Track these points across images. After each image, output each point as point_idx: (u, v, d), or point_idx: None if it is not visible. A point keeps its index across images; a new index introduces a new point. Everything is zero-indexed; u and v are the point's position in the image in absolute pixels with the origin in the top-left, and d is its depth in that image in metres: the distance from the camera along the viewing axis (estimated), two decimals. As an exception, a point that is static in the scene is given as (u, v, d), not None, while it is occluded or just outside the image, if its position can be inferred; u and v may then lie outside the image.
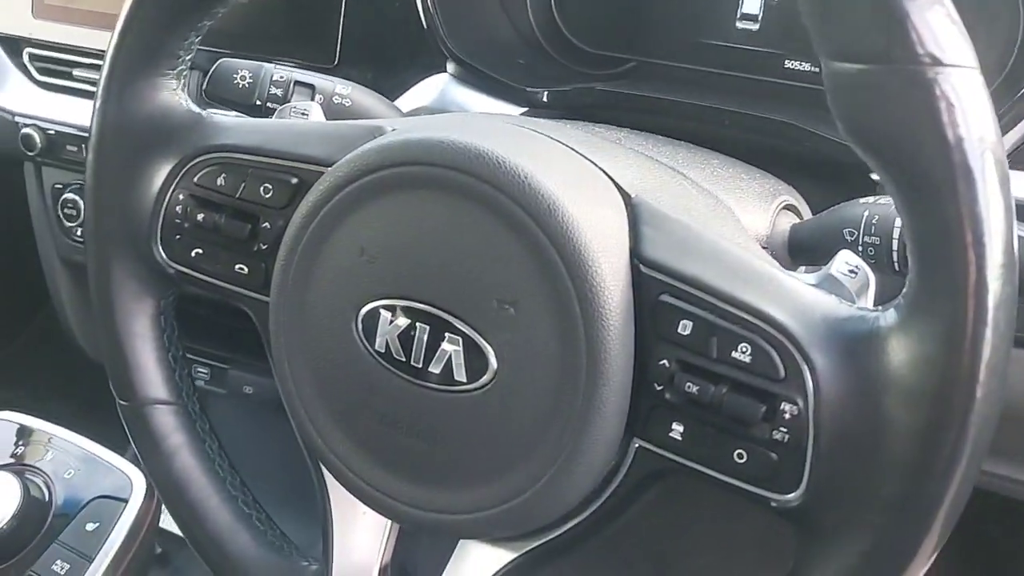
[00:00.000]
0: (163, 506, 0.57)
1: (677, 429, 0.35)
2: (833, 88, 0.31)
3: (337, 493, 0.46)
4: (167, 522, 0.67)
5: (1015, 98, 0.52)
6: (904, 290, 0.31)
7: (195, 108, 0.47)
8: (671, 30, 0.65)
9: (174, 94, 0.46)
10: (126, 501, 0.62)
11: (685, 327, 0.35)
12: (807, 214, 0.52)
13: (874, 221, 0.43)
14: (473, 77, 0.64)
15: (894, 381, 0.31)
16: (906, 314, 0.31)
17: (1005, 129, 0.51)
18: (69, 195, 0.84)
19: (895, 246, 0.42)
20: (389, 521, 0.48)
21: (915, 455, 0.31)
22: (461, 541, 0.45)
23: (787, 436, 0.33)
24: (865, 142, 0.31)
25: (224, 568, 0.48)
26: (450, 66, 0.65)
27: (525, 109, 0.62)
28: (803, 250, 0.47)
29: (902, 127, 0.29)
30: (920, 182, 0.29)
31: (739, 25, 0.63)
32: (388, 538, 0.48)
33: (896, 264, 0.42)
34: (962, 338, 0.29)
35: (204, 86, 0.56)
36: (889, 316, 0.32)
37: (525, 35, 0.68)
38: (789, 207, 0.50)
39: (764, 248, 0.47)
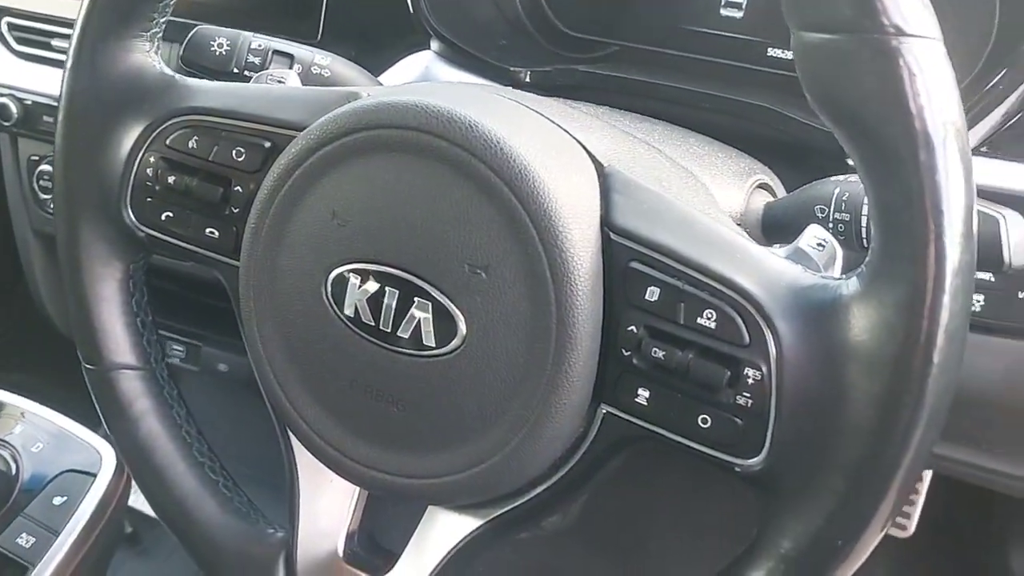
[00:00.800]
0: (132, 483, 0.57)
1: (643, 395, 0.36)
2: (801, 58, 0.31)
3: (304, 459, 0.46)
4: (137, 501, 0.67)
5: (988, 87, 0.52)
6: (867, 259, 0.32)
7: (168, 71, 0.46)
8: (655, 16, 0.65)
9: (147, 56, 0.46)
10: (95, 475, 0.61)
11: (653, 293, 0.35)
12: (781, 194, 0.53)
13: (844, 198, 0.43)
14: (457, 55, 0.64)
15: (854, 347, 0.31)
16: (868, 281, 0.31)
17: (980, 117, 0.51)
18: (45, 167, 0.83)
19: (864, 222, 0.42)
20: (357, 488, 0.48)
21: (873, 420, 0.31)
22: (429, 507, 0.45)
23: (751, 401, 0.33)
24: (831, 111, 0.31)
25: (189, 534, 0.48)
26: (434, 44, 0.64)
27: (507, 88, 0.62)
28: (776, 228, 0.48)
29: (866, 96, 0.30)
30: (882, 150, 0.30)
31: (723, 12, 0.63)
32: (356, 505, 0.48)
33: (864, 240, 0.42)
34: (921, 304, 0.30)
35: (181, 53, 0.56)
36: (851, 284, 0.32)
37: (509, 16, 0.68)
38: (763, 186, 0.51)
39: (738, 225, 0.47)
